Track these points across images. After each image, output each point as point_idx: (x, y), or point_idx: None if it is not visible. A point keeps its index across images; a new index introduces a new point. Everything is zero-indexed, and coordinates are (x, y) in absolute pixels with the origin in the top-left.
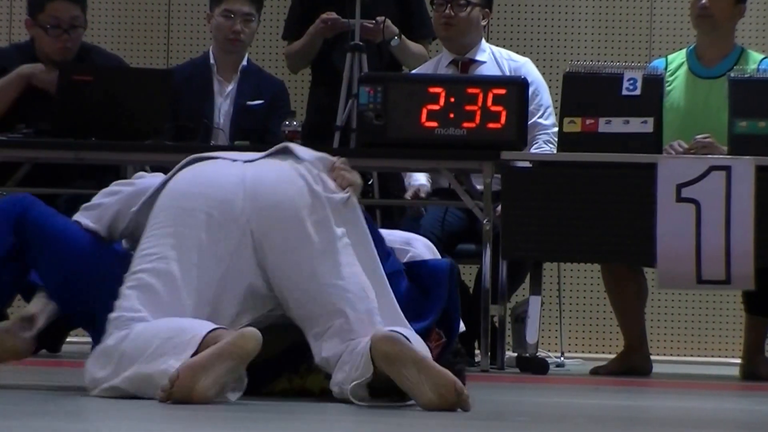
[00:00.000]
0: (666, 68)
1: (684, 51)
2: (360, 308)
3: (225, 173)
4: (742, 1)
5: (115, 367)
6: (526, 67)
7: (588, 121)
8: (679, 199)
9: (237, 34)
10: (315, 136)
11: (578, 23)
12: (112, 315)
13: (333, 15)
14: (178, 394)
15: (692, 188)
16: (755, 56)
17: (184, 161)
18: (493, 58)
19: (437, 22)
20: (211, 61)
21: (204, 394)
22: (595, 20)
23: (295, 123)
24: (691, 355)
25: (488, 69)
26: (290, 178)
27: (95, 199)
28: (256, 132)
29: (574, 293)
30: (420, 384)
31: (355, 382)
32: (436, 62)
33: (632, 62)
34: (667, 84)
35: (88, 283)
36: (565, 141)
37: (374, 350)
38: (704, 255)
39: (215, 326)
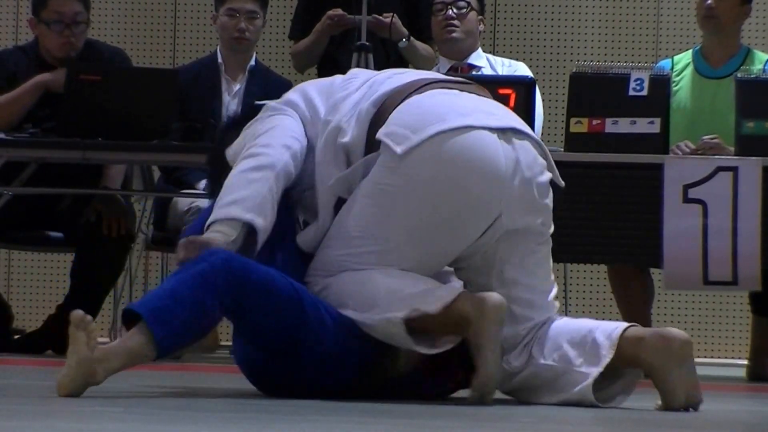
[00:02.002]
0: (672, 69)
1: (690, 51)
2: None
3: (498, 154)
4: (748, 1)
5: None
6: (521, 69)
7: (594, 122)
8: (686, 199)
9: (242, 33)
10: None
11: (584, 24)
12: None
13: (339, 11)
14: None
15: (699, 189)
16: (761, 56)
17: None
18: (489, 64)
19: (438, 26)
20: (219, 60)
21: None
22: (601, 21)
23: None
24: (698, 356)
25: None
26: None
27: (235, 194)
28: None
29: (580, 294)
30: (678, 383)
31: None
32: (435, 71)
33: (639, 63)
34: (673, 84)
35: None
36: (571, 141)
37: (656, 339)
38: (711, 256)
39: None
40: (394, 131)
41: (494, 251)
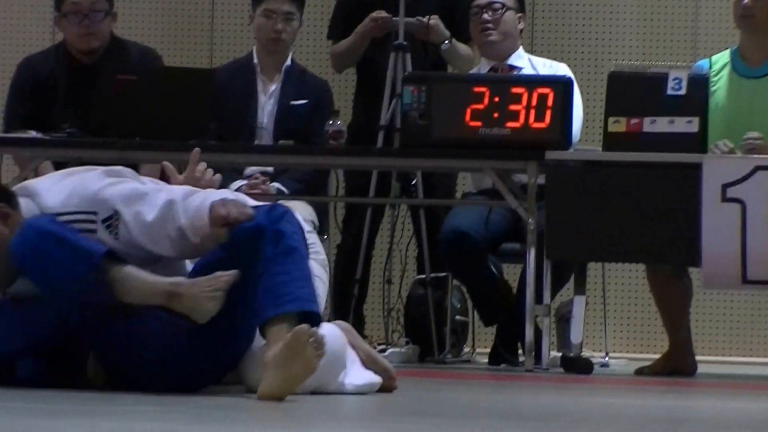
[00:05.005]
0: (710, 68)
1: (728, 51)
2: None
3: None
4: None
5: None
6: (561, 69)
7: (633, 121)
8: (725, 199)
9: (278, 34)
10: (360, 137)
11: (623, 23)
12: None
13: (383, 14)
14: None
15: (737, 188)
16: None
17: None
18: (531, 64)
19: (475, 29)
20: (255, 61)
21: None
22: (639, 20)
23: (338, 123)
24: (736, 356)
25: None
26: None
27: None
28: (300, 132)
29: (619, 293)
30: None
31: None
32: (475, 71)
33: (677, 62)
34: (711, 84)
35: None
36: (609, 141)
37: None
38: (749, 255)
39: None
40: None
41: None
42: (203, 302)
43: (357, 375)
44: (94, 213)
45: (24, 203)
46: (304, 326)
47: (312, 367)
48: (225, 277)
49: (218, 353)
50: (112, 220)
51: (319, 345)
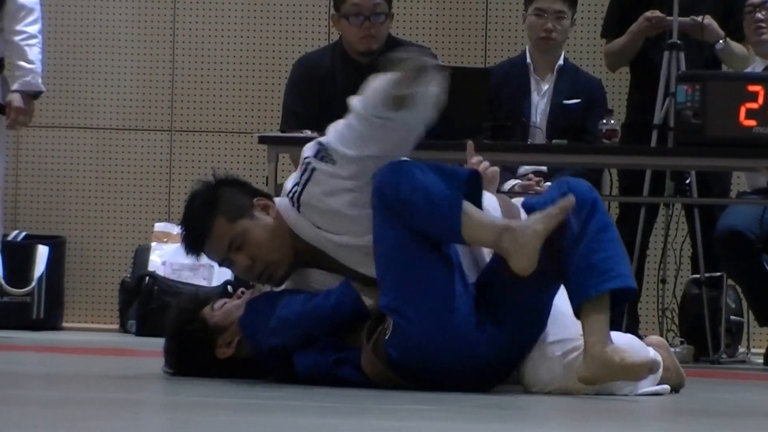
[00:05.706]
0: None
1: None
2: None
3: None
4: None
5: None
6: None
7: None
8: None
9: (549, 33)
10: (633, 135)
11: None
12: None
13: (657, 13)
14: None
15: None
16: None
17: None
18: None
19: (750, 28)
20: (528, 60)
21: None
22: None
23: (612, 122)
24: None
25: None
26: None
27: None
28: (573, 131)
29: None
30: None
31: None
32: (750, 71)
33: None
34: None
35: None
36: None
37: None
38: None
39: None
40: None
41: None
42: (535, 227)
43: (645, 388)
44: (306, 158)
45: (277, 200)
46: (652, 359)
47: (638, 378)
48: (562, 203)
49: (512, 345)
50: (321, 151)
51: (654, 371)
